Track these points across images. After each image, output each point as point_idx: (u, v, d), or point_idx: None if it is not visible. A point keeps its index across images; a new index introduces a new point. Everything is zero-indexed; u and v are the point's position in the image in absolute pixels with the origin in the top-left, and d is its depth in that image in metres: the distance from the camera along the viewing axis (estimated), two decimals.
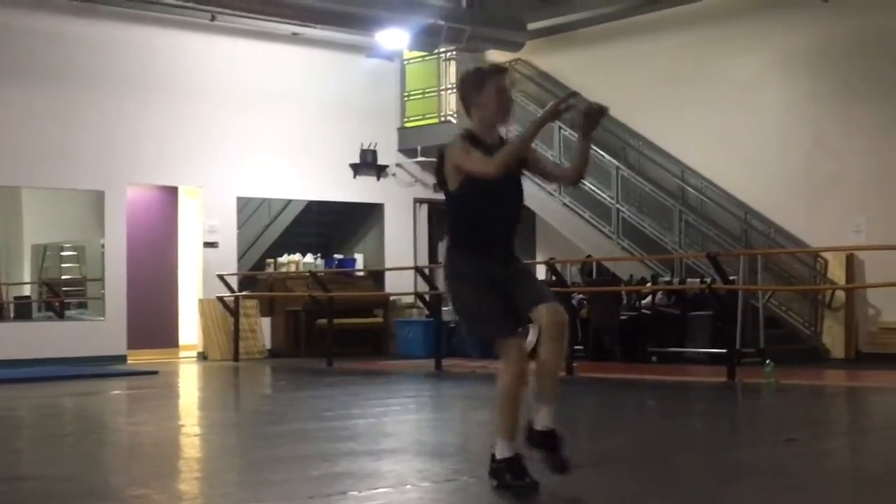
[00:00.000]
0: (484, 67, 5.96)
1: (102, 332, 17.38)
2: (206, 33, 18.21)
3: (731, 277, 13.84)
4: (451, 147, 5.68)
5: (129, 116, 17.55)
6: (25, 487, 6.29)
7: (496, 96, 5.71)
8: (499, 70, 5.87)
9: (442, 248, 21.26)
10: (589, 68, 19.30)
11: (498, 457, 5.52)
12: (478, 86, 5.73)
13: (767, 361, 12.28)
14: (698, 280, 15.29)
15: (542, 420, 5.63)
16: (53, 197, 18.48)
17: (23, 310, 19.08)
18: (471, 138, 5.68)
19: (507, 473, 5.48)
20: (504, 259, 5.74)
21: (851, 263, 16.05)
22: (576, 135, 5.89)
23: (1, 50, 16.53)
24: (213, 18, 17.72)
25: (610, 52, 18.72)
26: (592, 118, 5.58)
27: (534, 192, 18.46)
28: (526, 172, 5.86)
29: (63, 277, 19.77)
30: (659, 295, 16.07)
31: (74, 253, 19.63)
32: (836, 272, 16.14)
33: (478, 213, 5.67)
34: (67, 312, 19.04)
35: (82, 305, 19.23)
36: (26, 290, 19.57)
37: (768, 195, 17.05)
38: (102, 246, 17.78)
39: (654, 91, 18.33)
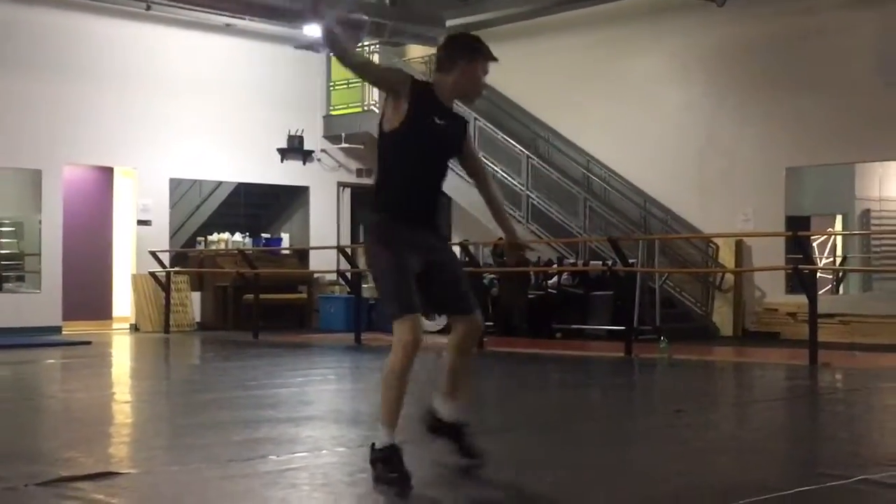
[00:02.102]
0: (484, 45, 5.37)
1: (38, 304, 17.09)
2: (142, 22, 17.92)
3: (630, 260, 13.98)
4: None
5: (67, 99, 17.25)
6: None
7: (479, 77, 5.30)
8: (492, 57, 5.35)
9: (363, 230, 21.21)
10: (503, 64, 18.85)
11: (378, 446, 4.99)
12: (473, 56, 5.26)
13: (662, 338, 12.45)
14: (601, 262, 15.40)
15: (453, 413, 5.35)
16: None
17: None
18: (427, 88, 5.22)
19: (380, 463, 4.95)
20: (431, 227, 5.30)
21: (740, 249, 16.31)
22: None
23: None
24: (148, 8, 17.43)
25: (523, 50, 18.74)
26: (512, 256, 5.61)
27: (450, 179, 18.49)
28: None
29: (1, 252, 19.39)
30: (564, 276, 16.20)
31: (13, 229, 19.26)
32: (727, 257, 16.39)
33: (408, 171, 5.15)
34: (5, 285, 18.69)
35: (20, 279, 18.89)
36: None
37: (666, 185, 17.24)
38: (39, 222, 17.48)
39: (562, 86, 18.43)
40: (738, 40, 16.56)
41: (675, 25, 17.23)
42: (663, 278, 15.86)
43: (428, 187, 5.28)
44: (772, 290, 16.12)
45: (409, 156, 5.13)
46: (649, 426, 7.25)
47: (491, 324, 15.58)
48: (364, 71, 5.36)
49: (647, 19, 17.52)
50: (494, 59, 5.33)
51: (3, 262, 19.24)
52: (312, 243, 19.70)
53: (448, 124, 5.24)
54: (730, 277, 16.20)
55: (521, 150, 17.74)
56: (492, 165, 17.95)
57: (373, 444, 5.04)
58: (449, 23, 19.22)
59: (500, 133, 18.14)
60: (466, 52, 5.27)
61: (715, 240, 16.26)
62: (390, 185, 5.19)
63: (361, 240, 21.23)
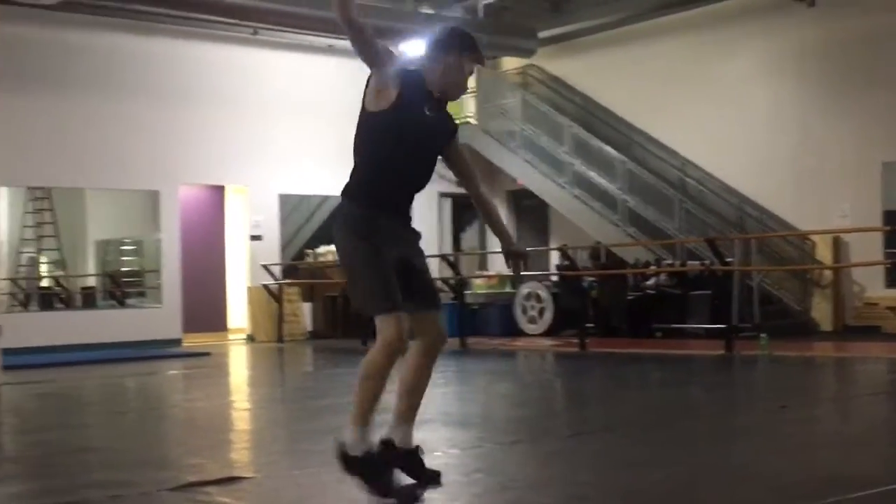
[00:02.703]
0: (473, 39, 4.96)
1: (159, 318, 17.47)
2: (249, 46, 18.25)
3: (727, 259, 13.78)
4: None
5: (181, 123, 17.63)
6: (93, 458, 6.33)
7: (463, 75, 4.88)
8: (481, 54, 4.95)
9: (465, 237, 21.29)
10: (595, 71, 19.24)
11: (349, 449, 4.59)
12: (453, 48, 4.84)
13: (762, 335, 12.26)
14: (698, 262, 15.23)
15: (408, 439, 4.83)
16: (114, 197, 18.56)
17: (88, 299, 19.18)
18: (418, 76, 4.84)
19: (364, 470, 4.59)
20: (407, 220, 4.90)
21: (837, 245, 15.97)
22: None
23: (65, 65, 16.63)
24: (255, 33, 17.77)
25: (614, 57, 18.66)
26: (515, 263, 5.12)
27: (548, 187, 18.49)
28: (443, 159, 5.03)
29: (123, 269, 19.85)
30: (662, 276, 16.04)
31: (133, 247, 19.70)
32: (824, 253, 16.06)
33: (390, 160, 4.75)
34: (128, 301, 19.13)
35: (141, 294, 19.30)
36: (91, 282, 19.66)
37: (761, 184, 16.98)
38: (158, 240, 17.88)
39: (654, 91, 18.27)
40: (829, 38, 16.23)
41: (766, 26, 16.96)
42: (761, 276, 15.60)
43: (409, 180, 4.84)
44: (871, 284, 15.75)
45: (394, 143, 4.73)
46: (753, 422, 7.14)
47: (591, 325, 15.51)
48: (360, 31, 4.74)
49: (737, 22, 17.27)
50: (482, 62, 4.96)
51: (125, 280, 19.72)
52: None
53: (438, 118, 4.87)
54: (828, 273, 15.88)
55: (616, 155, 17.63)
56: (587, 171, 17.92)
57: (339, 442, 4.62)
58: (542, 34, 19.24)
59: (596, 139, 18.05)
60: (455, 47, 4.87)
61: (812, 236, 15.95)
62: (370, 173, 4.79)
63: (462, 247, 21.40)
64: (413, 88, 4.76)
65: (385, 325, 4.59)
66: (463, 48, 4.87)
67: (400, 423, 4.82)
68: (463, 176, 5.10)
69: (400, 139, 4.72)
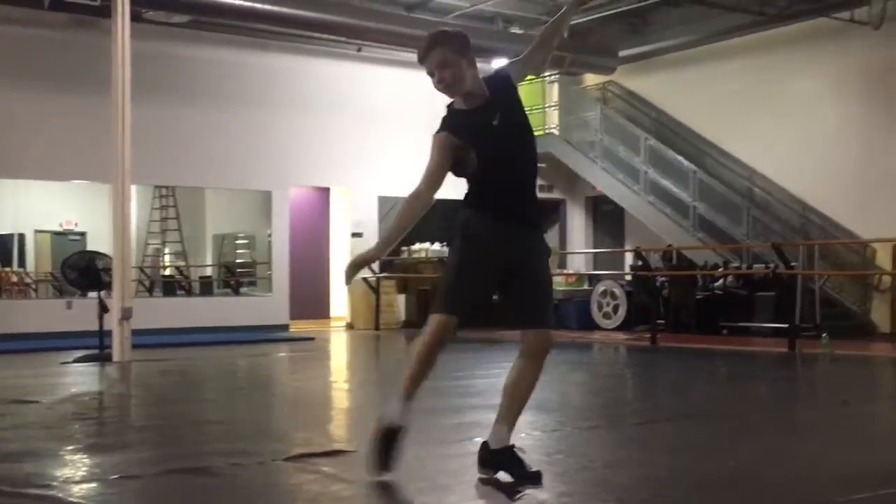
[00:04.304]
0: (434, 34, 4.61)
1: (269, 305, 17.68)
2: (354, 61, 18.39)
3: (792, 264, 13.55)
4: (433, 138, 4.51)
5: (292, 130, 17.83)
6: (214, 429, 6.45)
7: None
8: (424, 45, 4.59)
9: (546, 238, 21.18)
10: (670, 88, 19.02)
11: (387, 415, 4.44)
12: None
13: (824, 335, 12.02)
14: (763, 266, 14.99)
15: (499, 437, 4.50)
16: (230, 195, 18.90)
17: (206, 287, 19.58)
18: (455, 115, 4.50)
19: (380, 442, 4.42)
20: (526, 221, 4.52)
21: None
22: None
23: (192, 79, 16.93)
24: (359, 50, 17.91)
25: (689, 75, 18.42)
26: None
27: (624, 193, 18.35)
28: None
29: (238, 261, 20.20)
30: (729, 278, 15.83)
31: (247, 241, 20.04)
32: (884, 260, 15.68)
33: (491, 177, 4.43)
34: (241, 289, 19.45)
35: (252, 284, 19.62)
36: (208, 272, 20.05)
37: (824, 194, 16.63)
38: (269, 235, 18.12)
39: (725, 107, 18.00)
40: (894, 59, 15.83)
41: (833, 47, 16.59)
42: (823, 280, 15.28)
43: (516, 183, 4.49)
44: None
45: (497, 169, 4.41)
46: (817, 416, 7.01)
47: (662, 322, 15.36)
48: (424, 201, 4.48)
49: (806, 43, 16.93)
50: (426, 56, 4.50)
51: (239, 270, 20.05)
52: None
53: (501, 115, 4.46)
54: (886, 279, 15.51)
55: (687, 165, 17.44)
56: (661, 179, 17.74)
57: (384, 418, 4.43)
58: (622, 53, 19.07)
59: (669, 150, 17.88)
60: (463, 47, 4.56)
61: (872, 244, 15.59)
62: (477, 184, 4.50)
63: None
64: (461, 124, 4.45)
65: (432, 322, 4.39)
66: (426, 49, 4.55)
67: (496, 421, 4.55)
68: (541, 50, 4.68)
69: (490, 162, 4.42)
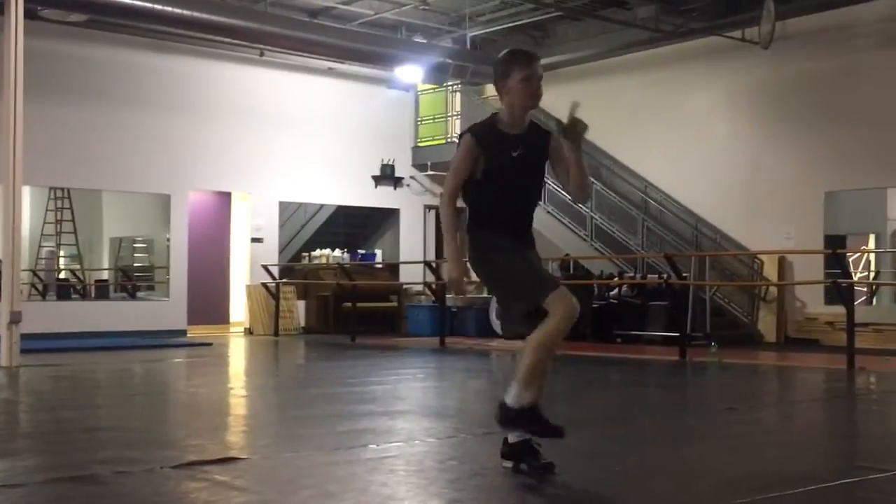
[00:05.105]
0: (516, 52, 4.80)
1: (166, 310, 17.39)
2: (256, 66, 18.23)
3: (683, 274, 13.82)
4: (463, 138, 4.70)
5: (193, 134, 17.57)
6: (104, 436, 6.28)
7: (523, 85, 4.65)
8: (528, 57, 4.73)
9: None
10: (568, 100, 19.18)
11: (513, 403, 4.60)
12: (506, 72, 4.68)
13: (712, 343, 12.29)
14: (657, 276, 15.27)
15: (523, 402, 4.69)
16: (128, 198, 18.52)
17: (102, 290, 19.13)
18: (491, 129, 4.68)
19: (526, 422, 4.65)
20: (528, 244, 4.79)
21: (783, 264, 16.04)
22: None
23: (87, 77, 16.55)
24: (261, 54, 17.74)
25: (588, 88, 18.66)
26: (574, 134, 4.71)
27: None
28: (550, 171, 4.87)
29: (135, 265, 19.79)
30: (624, 288, 16.06)
31: (145, 245, 19.67)
32: (770, 271, 16.12)
33: (499, 204, 4.67)
34: (138, 294, 19.07)
35: (150, 288, 19.25)
36: (105, 275, 19.61)
37: (716, 208, 17.04)
38: (168, 239, 17.82)
39: (622, 120, 18.29)
40: (782, 78, 16.32)
41: (725, 66, 17.03)
42: (713, 290, 15.64)
43: (519, 211, 4.77)
44: (812, 301, 15.82)
45: (497, 194, 4.66)
46: (704, 422, 7.15)
47: None
48: (452, 200, 4.71)
49: (700, 60, 17.33)
50: (531, 57, 4.71)
51: (136, 274, 19.64)
52: (402, 258, 19.80)
53: (524, 152, 4.66)
54: (773, 289, 15.93)
55: None
56: (559, 190, 17.92)
57: (505, 405, 4.61)
58: None
59: None
60: (501, 72, 4.69)
61: (760, 256, 16.02)
62: (485, 208, 4.69)
63: (444, 255, 21.31)
64: (490, 142, 4.65)
65: (558, 299, 4.48)
66: (508, 65, 4.69)
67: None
68: (565, 186, 4.82)
69: (500, 190, 4.65)
